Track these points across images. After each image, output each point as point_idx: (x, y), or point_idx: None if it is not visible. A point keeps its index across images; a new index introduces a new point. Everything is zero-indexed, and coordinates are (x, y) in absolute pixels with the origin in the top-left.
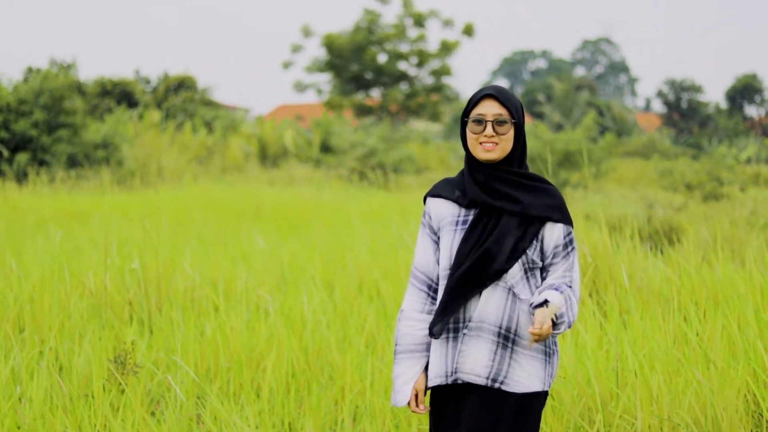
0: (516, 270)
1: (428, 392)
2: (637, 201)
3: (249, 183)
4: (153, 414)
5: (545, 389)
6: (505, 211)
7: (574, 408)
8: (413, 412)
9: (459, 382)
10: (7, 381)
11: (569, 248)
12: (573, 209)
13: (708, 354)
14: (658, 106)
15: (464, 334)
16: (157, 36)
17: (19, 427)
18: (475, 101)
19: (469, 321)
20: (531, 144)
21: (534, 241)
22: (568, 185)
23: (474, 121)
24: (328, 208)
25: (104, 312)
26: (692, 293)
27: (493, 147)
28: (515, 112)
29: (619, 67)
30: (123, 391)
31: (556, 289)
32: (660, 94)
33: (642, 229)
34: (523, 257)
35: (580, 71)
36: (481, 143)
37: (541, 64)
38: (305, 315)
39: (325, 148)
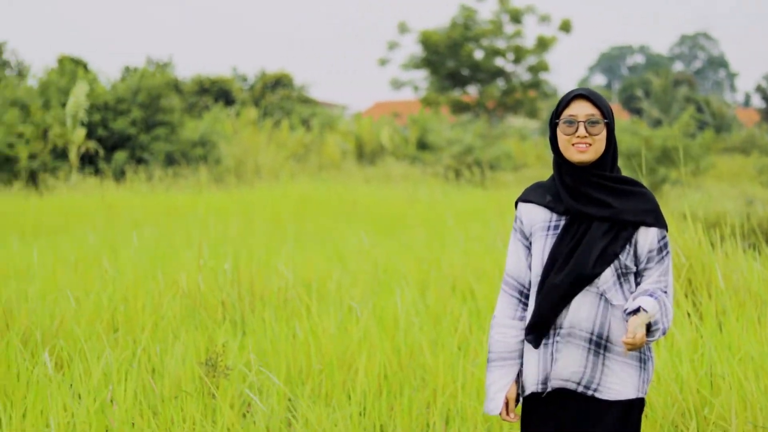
0: (608, 275)
1: (520, 400)
2: (736, 198)
3: (345, 181)
4: (244, 416)
5: (640, 396)
6: (595, 217)
7: (667, 413)
8: (504, 420)
9: (550, 389)
10: (98, 383)
11: (663, 252)
12: (670, 207)
13: None
14: (757, 101)
15: (556, 341)
16: (254, 35)
17: (107, 430)
18: (565, 102)
19: (561, 328)
20: (628, 140)
21: (627, 246)
22: (667, 182)
23: (565, 122)
24: (423, 206)
25: (198, 313)
26: None
27: (586, 148)
28: (607, 113)
29: (718, 62)
30: (214, 395)
31: (651, 295)
32: (759, 89)
33: (742, 227)
34: (616, 262)
35: (678, 66)
36: (573, 144)
37: (638, 59)
38: (398, 316)
39: (422, 145)
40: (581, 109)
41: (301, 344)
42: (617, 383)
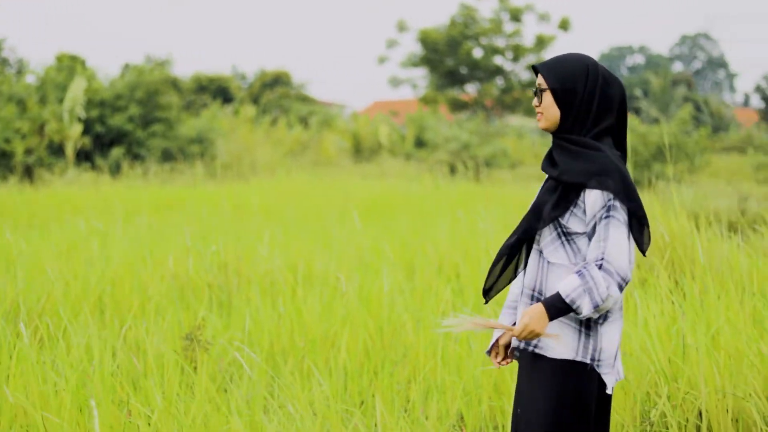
0: (546, 233)
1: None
2: (730, 195)
3: (340, 176)
4: (226, 392)
5: (579, 359)
6: (550, 177)
7: (641, 382)
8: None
9: (517, 345)
10: (80, 359)
11: (608, 217)
12: (660, 200)
13: None
14: (756, 102)
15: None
16: (253, 32)
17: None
18: None
19: (524, 286)
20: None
21: (571, 208)
22: (661, 179)
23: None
24: (415, 198)
25: (185, 295)
26: None
27: (540, 117)
28: (554, 78)
29: (718, 63)
30: (195, 368)
31: (578, 273)
32: (758, 89)
33: (734, 222)
34: (555, 222)
35: (678, 67)
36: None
37: (638, 59)
38: (382, 296)
39: (419, 143)
40: (537, 81)
41: (285, 322)
42: (553, 341)
